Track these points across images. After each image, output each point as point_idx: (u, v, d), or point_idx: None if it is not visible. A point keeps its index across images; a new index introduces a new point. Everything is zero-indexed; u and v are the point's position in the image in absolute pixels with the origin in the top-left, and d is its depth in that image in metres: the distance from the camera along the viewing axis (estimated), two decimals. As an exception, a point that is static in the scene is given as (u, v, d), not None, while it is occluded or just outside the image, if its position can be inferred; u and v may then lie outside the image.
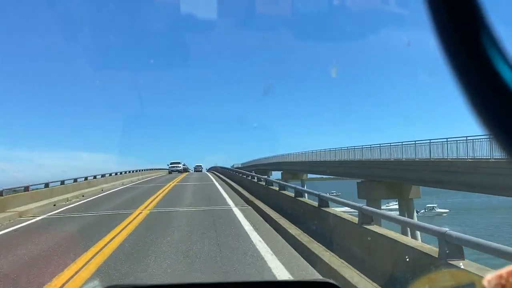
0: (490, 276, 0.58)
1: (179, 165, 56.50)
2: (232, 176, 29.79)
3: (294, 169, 54.05)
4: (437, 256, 4.40)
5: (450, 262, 4.19)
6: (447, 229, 4.56)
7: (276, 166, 60.64)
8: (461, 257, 4.22)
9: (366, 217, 6.15)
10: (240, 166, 71.52)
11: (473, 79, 0.52)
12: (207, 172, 54.76)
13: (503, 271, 0.57)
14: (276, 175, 58.71)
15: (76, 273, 6.60)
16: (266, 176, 20.42)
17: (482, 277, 0.59)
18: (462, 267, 4.03)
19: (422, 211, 54.85)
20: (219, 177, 37.09)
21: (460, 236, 4.28)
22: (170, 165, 55.48)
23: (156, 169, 53.13)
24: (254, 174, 20.70)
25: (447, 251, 4.29)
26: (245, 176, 22.86)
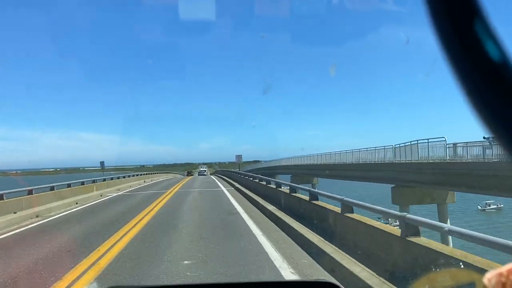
0: (490, 275, 0.57)
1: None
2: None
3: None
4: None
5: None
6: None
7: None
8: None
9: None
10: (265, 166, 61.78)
11: (471, 75, 0.51)
12: (214, 179, 42.94)
13: (504, 269, 0.57)
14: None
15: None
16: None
17: (482, 276, 0.59)
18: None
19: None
20: (254, 204, 15.59)
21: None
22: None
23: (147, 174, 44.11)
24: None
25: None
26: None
